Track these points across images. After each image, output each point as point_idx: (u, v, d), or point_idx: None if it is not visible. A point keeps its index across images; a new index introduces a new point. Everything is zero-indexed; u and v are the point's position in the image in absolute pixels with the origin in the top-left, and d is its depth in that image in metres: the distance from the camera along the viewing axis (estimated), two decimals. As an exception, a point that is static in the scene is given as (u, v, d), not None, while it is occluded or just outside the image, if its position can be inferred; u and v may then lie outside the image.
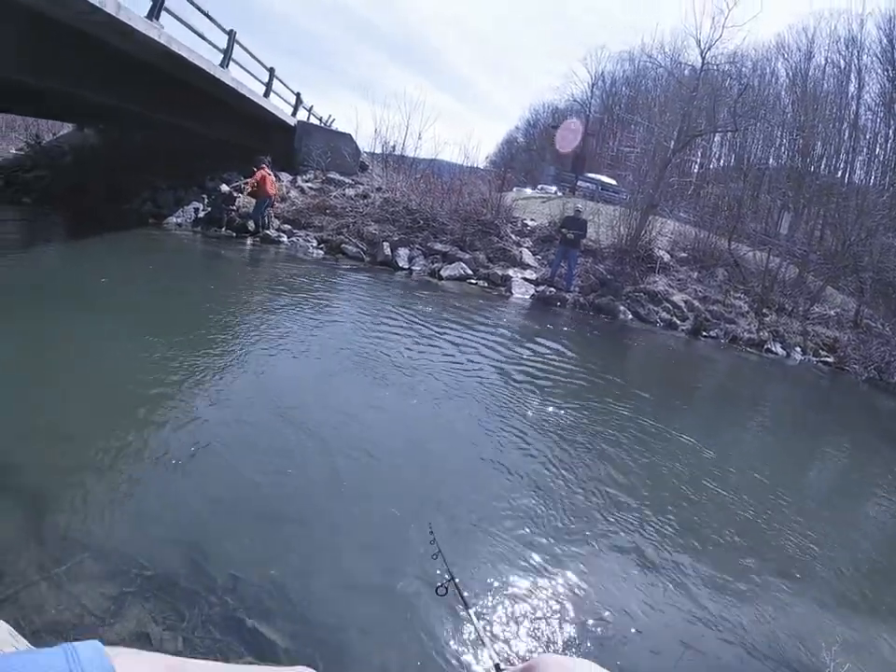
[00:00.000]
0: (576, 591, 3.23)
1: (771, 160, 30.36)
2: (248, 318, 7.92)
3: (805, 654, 3.10)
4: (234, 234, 14.30)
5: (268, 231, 14.11)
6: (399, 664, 2.60)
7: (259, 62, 15.27)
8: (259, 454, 4.18)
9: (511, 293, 13.13)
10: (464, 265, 13.56)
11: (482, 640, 1.31)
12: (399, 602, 2.91)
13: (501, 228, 14.79)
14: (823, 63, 33.24)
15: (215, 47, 12.67)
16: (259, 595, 2.83)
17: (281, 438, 4.45)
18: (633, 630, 3.04)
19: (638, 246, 14.64)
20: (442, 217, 14.62)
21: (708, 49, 16.45)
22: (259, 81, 15.49)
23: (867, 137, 31.09)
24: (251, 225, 14.27)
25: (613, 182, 22.83)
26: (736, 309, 14.07)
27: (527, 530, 3.72)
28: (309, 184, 16.35)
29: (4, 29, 8.54)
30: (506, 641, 2.80)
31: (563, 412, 6.03)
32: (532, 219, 16.24)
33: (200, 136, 15.45)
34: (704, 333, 13.13)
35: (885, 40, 30.48)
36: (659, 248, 15.29)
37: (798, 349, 13.32)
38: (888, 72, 30.31)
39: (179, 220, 14.70)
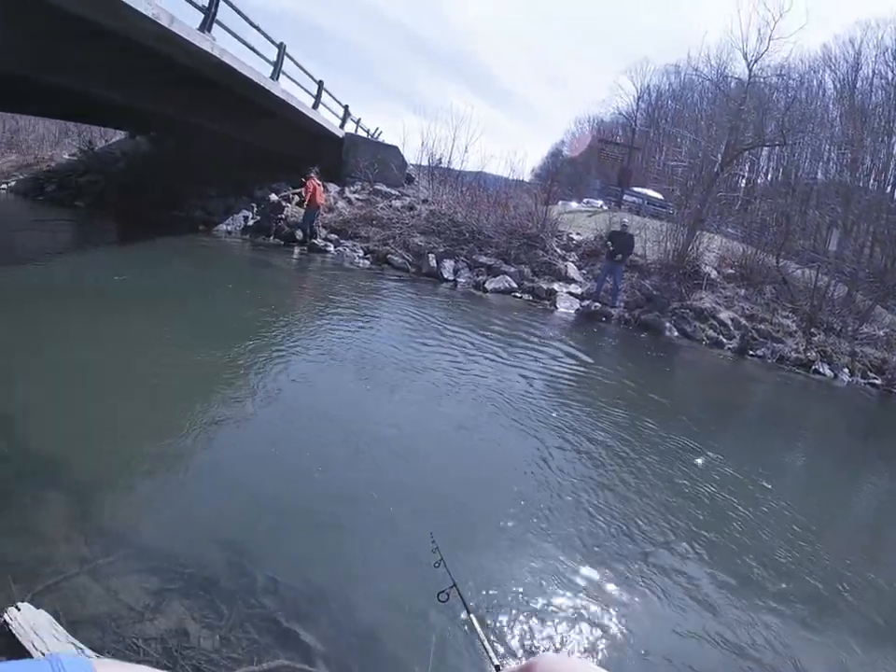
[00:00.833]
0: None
1: (819, 174, 29.87)
2: (296, 326, 8.09)
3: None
4: (282, 243, 14.56)
5: (315, 241, 14.31)
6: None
7: (308, 74, 15.52)
8: (305, 459, 4.27)
9: (556, 307, 13.11)
10: (509, 278, 13.59)
11: (482, 642, 1.34)
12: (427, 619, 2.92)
13: (547, 241, 14.78)
14: (871, 74, 32.58)
15: (265, 59, 12.92)
16: (297, 599, 2.86)
17: (326, 444, 4.54)
18: (630, 633, 3.04)
19: (685, 262, 14.49)
20: (488, 230, 14.68)
21: (755, 61, 16.19)
22: (308, 93, 15.74)
23: (918, 151, 30.36)
24: (299, 234, 14.50)
25: (660, 196, 22.64)
26: (784, 328, 13.82)
27: (547, 543, 3.73)
28: (356, 195, 16.55)
29: (66, 42, 8.84)
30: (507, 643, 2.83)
31: (599, 430, 6.01)
32: (578, 233, 16.19)
33: (249, 146, 15.76)
34: (750, 352, 12.91)
35: (933, 51, 29.80)
36: (706, 264, 15.11)
37: (846, 370, 13.01)
38: (937, 84, 29.62)
39: (229, 228, 15.02)
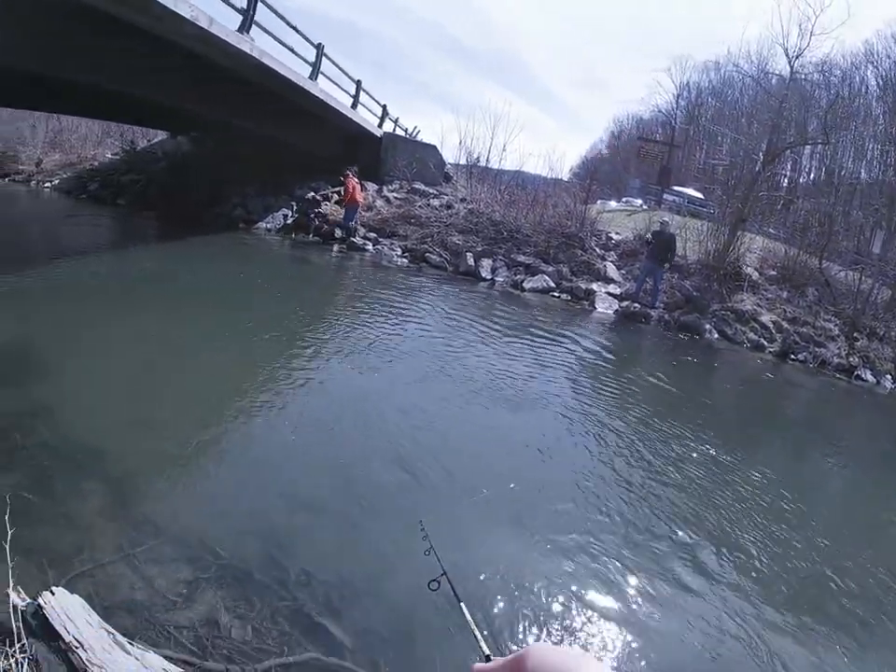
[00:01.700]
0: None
1: (863, 173, 29.18)
2: (337, 322, 8.24)
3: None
4: (321, 241, 14.72)
5: (354, 239, 14.42)
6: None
7: (346, 74, 15.66)
8: (341, 455, 4.35)
9: (594, 307, 13.03)
10: (547, 277, 13.56)
11: (473, 631, 1.32)
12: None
13: (586, 241, 14.71)
14: (915, 69, 31.69)
15: (304, 60, 13.08)
16: (328, 593, 2.91)
17: (364, 441, 4.62)
18: (629, 628, 3.05)
19: (726, 263, 14.28)
20: (526, 229, 14.67)
21: (796, 57, 15.83)
22: (347, 93, 15.88)
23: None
24: (338, 232, 14.65)
25: (700, 196, 22.31)
26: (826, 332, 13.55)
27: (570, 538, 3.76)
28: (394, 194, 16.64)
29: (109, 44, 9.00)
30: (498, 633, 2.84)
31: (634, 432, 5.99)
32: (617, 233, 16.08)
33: (288, 146, 15.92)
34: (792, 356, 12.69)
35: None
36: (747, 265, 14.87)
37: (889, 377, 12.74)
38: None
39: (269, 226, 15.22)
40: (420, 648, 2.75)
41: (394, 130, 19.50)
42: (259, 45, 10.50)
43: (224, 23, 9.35)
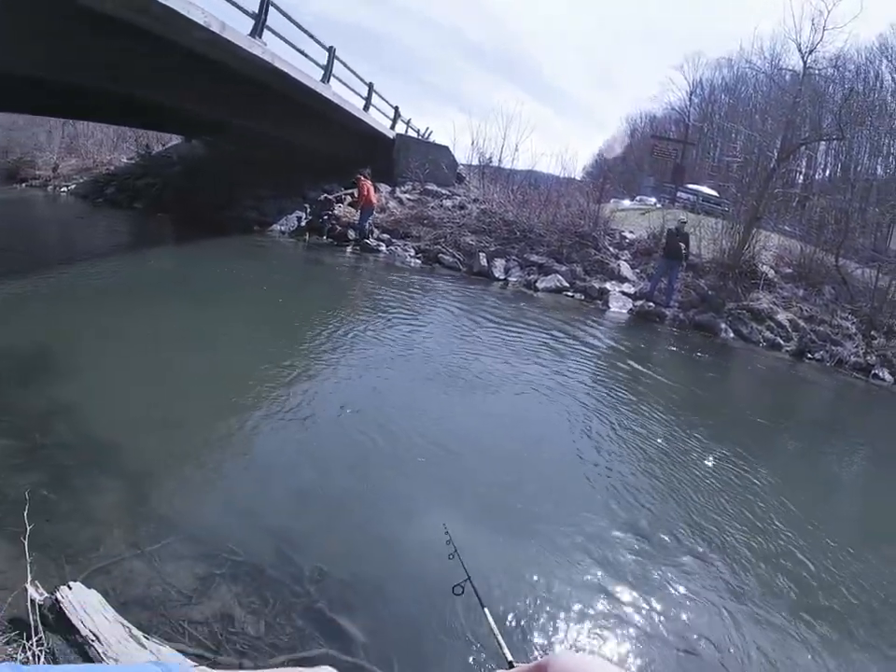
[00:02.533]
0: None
1: (879, 169, 28.90)
2: (351, 324, 8.23)
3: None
4: (335, 242, 14.77)
5: (367, 241, 14.46)
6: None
7: (358, 76, 15.71)
8: (354, 455, 4.35)
9: (608, 307, 12.98)
10: (560, 277, 13.52)
11: (496, 638, 1.32)
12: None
13: (599, 240, 14.65)
14: (930, 63, 31.40)
15: (315, 63, 13.13)
16: (342, 590, 2.92)
17: (377, 442, 4.59)
18: (649, 634, 3.02)
19: (741, 261, 14.15)
20: (539, 229, 14.64)
21: (810, 52, 15.64)
22: (359, 95, 15.93)
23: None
24: (351, 234, 14.70)
25: (715, 193, 22.12)
26: (843, 330, 13.40)
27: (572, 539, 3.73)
28: (407, 195, 16.68)
29: (112, 44, 9.00)
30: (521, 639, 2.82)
31: (645, 434, 5.94)
32: (631, 232, 16.00)
33: (301, 149, 16.00)
34: (808, 355, 12.56)
35: None
36: (763, 263, 14.74)
37: (906, 376, 12.61)
38: None
39: (283, 228, 15.29)
40: (437, 650, 2.74)
41: (406, 131, 19.55)
42: (272, 49, 10.58)
43: (236, 27, 9.43)
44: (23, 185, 20.34)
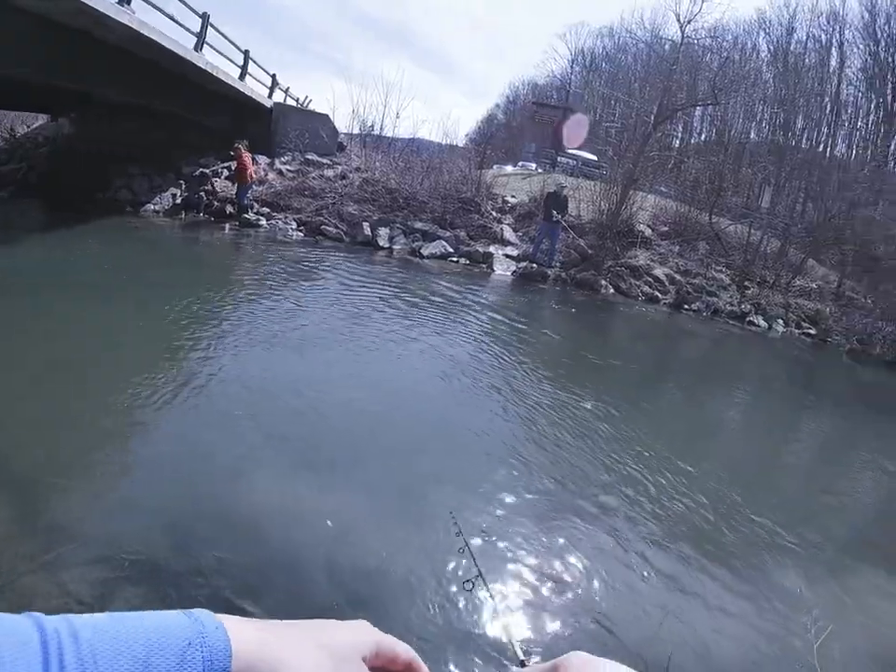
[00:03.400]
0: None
1: (752, 134, 30.44)
2: (234, 302, 7.91)
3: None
4: (213, 219, 14.15)
5: (247, 215, 13.97)
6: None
7: (233, 44, 15.04)
8: (238, 441, 4.16)
9: (493, 270, 13.09)
10: (445, 243, 13.50)
11: (509, 638, 1.28)
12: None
13: (482, 205, 14.71)
14: (805, 37, 33.20)
15: (188, 30, 12.48)
16: (244, 576, 2.86)
17: (268, 424, 4.43)
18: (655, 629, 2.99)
19: (619, 221, 14.58)
20: (422, 196, 14.54)
21: (688, 22, 16.26)
22: (235, 64, 15.23)
23: (848, 111, 31.20)
24: (230, 209, 14.14)
25: (594, 157, 22.64)
26: (718, 282, 14.08)
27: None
28: (287, 166, 16.15)
29: None
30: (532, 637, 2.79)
31: (538, 386, 6.03)
32: (513, 196, 16.14)
33: (175, 122, 15.19)
34: (686, 306, 13.14)
35: (867, 14, 30.51)
36: (640, 223, 15.25)
37: (780, 322, 13.37)
38: (869, 46, 30.36)
39: (157, 207, 14.52)
40: (447, 647, 2.64)
41: (285, 100, 18.90)
42: (141, 16, 9.92)
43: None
44: None
